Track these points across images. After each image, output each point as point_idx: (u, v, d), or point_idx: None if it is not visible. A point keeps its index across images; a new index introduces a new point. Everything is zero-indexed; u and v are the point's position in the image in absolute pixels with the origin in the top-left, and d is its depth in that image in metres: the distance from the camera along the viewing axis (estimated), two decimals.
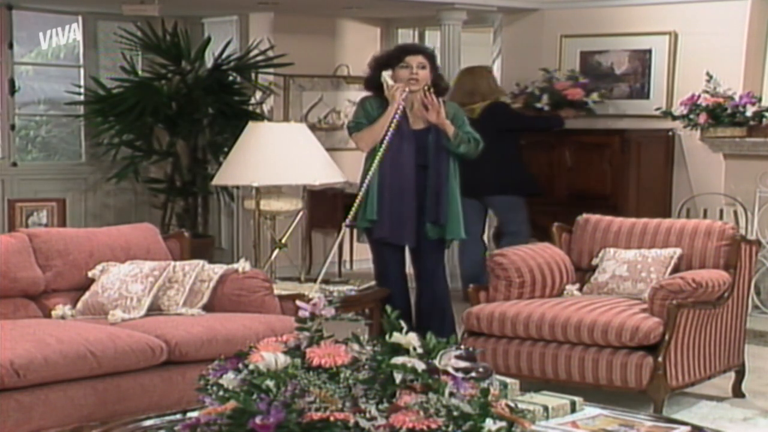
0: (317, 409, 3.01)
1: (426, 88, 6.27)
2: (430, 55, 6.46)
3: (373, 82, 6.38)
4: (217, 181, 6.46)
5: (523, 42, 8.91)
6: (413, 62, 6.29)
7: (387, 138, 6.09)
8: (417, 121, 6.30)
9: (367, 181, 6.09)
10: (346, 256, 9.62)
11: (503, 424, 3.12)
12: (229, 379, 3.20)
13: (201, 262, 5.37)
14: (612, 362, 5.25)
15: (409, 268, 6.56)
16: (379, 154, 6.08)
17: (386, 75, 6.24)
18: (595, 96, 8.23)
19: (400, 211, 6.24)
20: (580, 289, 5.88)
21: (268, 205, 6.12)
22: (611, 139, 8.17)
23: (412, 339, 3.20)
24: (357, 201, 6.12)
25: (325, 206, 9.25)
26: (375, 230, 6.30)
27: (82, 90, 9.23)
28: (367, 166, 6.25)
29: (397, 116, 6.13)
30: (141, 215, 9.30)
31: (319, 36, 9.77)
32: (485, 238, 8.44)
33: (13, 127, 9.14)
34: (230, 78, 9.18)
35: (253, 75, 9.20)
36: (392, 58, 6.37)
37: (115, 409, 4.48)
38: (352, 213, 6.11)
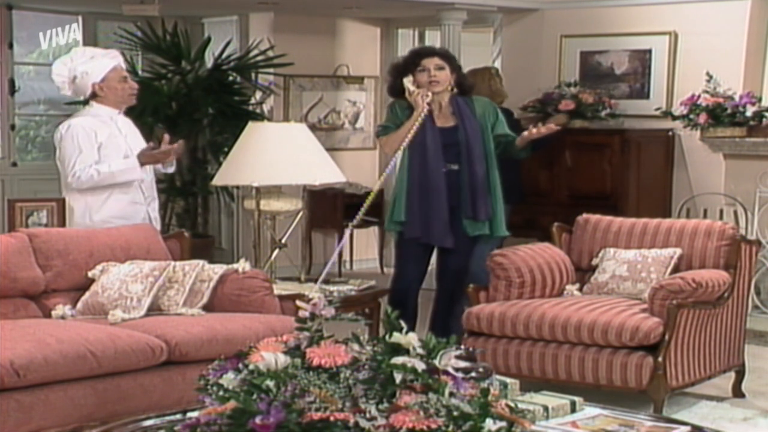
0: (317, 409, 3.01)
1: (449, 88, 6.30)
2: (446, 56, 6.45)
3: (395, 89, 6.40)
4: (217, 181, 6.45)
5: (523, 42, 8.91)
6: (430, 65, 6.27)
7: (405, 143, 6.09)
8: (444, 119, 6.31)
9: (394, 183, 6.11)
10: (346, 256, 9.62)
11: (503, 424, 3.11)
12: (229, 379, 3.20)
13: (201, 262, 5.37)
14: (612, 362, 5.25)
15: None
16: (399, 157, 6.11)
17: (407, 81, 6.26)
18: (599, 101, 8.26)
19: (428, 210, 6.23)
20: (580, 289, 5.88)
21: (268, 205, 6.12)
22: (611, 139, 8.17)
23: (412, 339, 3.20)
24: (367, 202, 6.09)
25: (325, 206, 9.25)
26: (406, 230, 6.27)
27: None
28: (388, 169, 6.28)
29: (421, 120, 6.14)
30: None
31: (319, 36, 9.77)
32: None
33: (13, 127, 9.15)
34: (230, 78, 9.18)
35: (253, 75, 9.21)
36: (409, 64, 6.35)
37: (115, 409, 4.48)
38: (359, 214, 6.10)
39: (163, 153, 5.86)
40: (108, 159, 5.75)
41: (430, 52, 6.49)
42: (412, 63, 6.34)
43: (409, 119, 6.20)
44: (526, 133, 6.29)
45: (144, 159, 5.81)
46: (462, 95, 6.38)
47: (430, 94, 6.21)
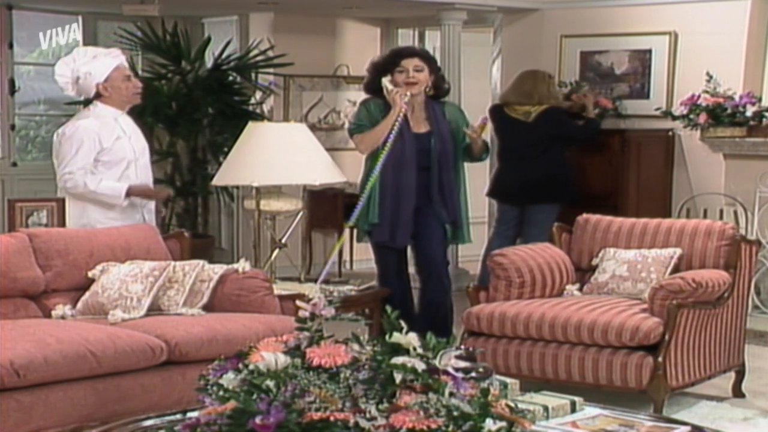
0: (317, 409, 3.01)
1: (426, 90, 6.33)
2: (426, 57, 6.48)
3: (372, 87, 6.42)
4: (217, 181, 6.46)
5: (523, 42, 8.91)
6: (409, 65, 6.30)
7: (389, 140, 6.12)
8: (418, 124, 6.34)
9: (369, 183, 6.12)
10: (346, 256, 9.61)
11: (503, 424, 3.12)
12: (229, 379, 3.20)
13: (201, 262, 5.37)
14: (612, 362, 5.25)
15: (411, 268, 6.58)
16: (382, 156, 6.11)
17: (386, 80, 6.27)
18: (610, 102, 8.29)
19: (398, 213, 6.27)
20: (580, 289, 5.88)
21: (268, 205, 6.12)
22: (611, 139, 8.17)
23: (412, 339, 3.20)
24: (360, 203, 6.14)
25: (325, 206, 9.25)
26: (375, 233, 6.33)
27: None
28: (368, 168, 6.30)
29: (399, 120, 6.15)
30: None
31: (319, 36, 9.77)
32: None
33: (13, 127, 9.15)
34: (230, 78, 9.19)
35: (253, 75, 9.21)
36: (388, 63, 6.38)
37: (115, 409, 4.48)
38: (354, 215, 6.13)
39: (153, 192, 5.85)
40: (111, 165, 5.72)
41: (411, 52, 6.53)
42: (392, 62, 6.37)
43: (386, 118, 6.22)
44: (469, 131, 6.34)
45: (133, 191, 5.76)
46: (436, 98, 6.41)
47: (408, 93, 6.22)
